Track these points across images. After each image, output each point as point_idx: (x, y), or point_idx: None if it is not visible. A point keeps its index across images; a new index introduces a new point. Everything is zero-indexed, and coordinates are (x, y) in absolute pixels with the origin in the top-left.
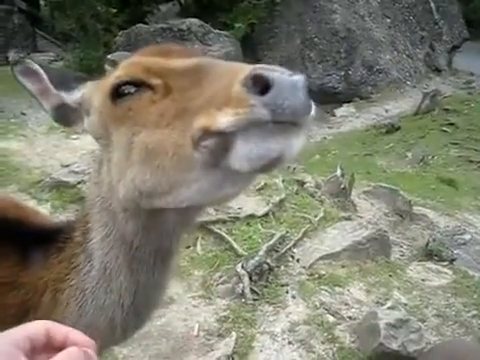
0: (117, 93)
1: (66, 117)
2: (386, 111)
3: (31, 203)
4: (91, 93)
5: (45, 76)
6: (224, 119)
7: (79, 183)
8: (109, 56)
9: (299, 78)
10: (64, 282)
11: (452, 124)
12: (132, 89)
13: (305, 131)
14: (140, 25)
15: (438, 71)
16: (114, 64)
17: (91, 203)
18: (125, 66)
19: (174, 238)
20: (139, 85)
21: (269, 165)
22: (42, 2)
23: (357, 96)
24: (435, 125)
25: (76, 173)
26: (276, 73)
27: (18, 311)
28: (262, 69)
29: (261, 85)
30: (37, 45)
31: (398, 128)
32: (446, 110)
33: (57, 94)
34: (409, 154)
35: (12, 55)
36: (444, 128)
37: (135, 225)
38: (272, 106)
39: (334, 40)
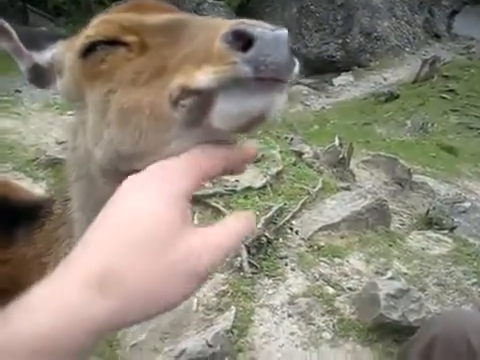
0: (88, 52)
1: (40, 78)
2: (385, 79)
3: (27, 181)
4: (62, 53)
5: (15, 35)
6: (204, 77)
7: None
8: None
9: (282, 32)
10: (48, 256)
11: (452, 91)
12: (105, 47)
13: (287, 88)
14: None
15: (437, 37)
16: None
17: (69, 171)
18: (97, 24)
19: None
20: (113, 43)
21: (251, 123)
22: None
23: (355, 64)
24: (434, 92)
25: None
26: (258, 28)
27: (6, 287)
28: (243, 24)
29: (243, 41)
30: (29, 20)
31: (397, 96)
32: (445, 77)
33: (28, 54)
34: (408, 122)
35: None
36: (443, 95)
37: (114, 188)
38: (254, 63)
39: (331, 8)
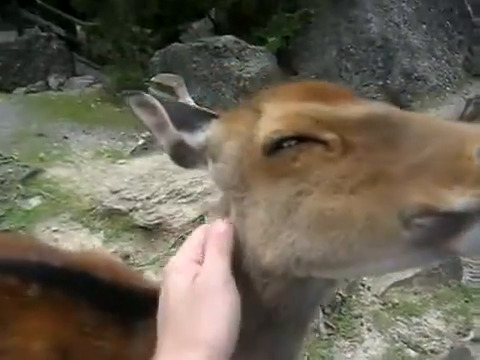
0: (274, 148)
1: (184, 157)
2: None
3: (84, 232)
4: (220, 137)
5: (165, 112)
6: (460, 199)
7: (131, 210)
8: (153, 79)
9: None
10: None
11: None
12: (293, 142)
13: None
14: (175, 44)
15: (478, 76)
16: (158, 86)
17: None
18: (283, 117)
19: (319, 302)
20: (305, 139)
21: None
22: (78, 27)
23: (397, 105)
24: None
25: (128, 200)
26: None
27: None
28: None
29: None
30: (75, 69)
31: None
32: None
33: (176, 133)
34: None
35: (52, 80)
36: None
37: (275, 291)
38: None
39: (370, 49)
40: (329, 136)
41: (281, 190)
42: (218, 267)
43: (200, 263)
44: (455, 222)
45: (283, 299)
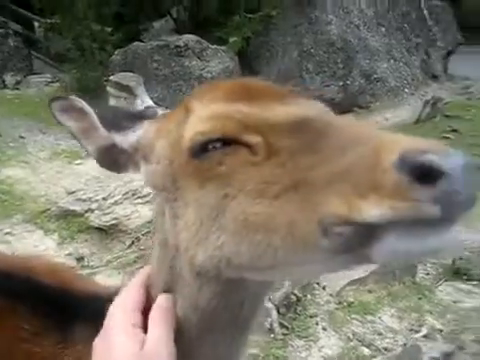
0: (200, 149)
1: (114, 161)
2: (386, 120)
3: (38, 234)
4: (152, 138)
5: (93, 114)
6: (374, 211)
7: (87, 211)
8: (112, 78)
9: (469, 159)
10: None
11: (455, 130)
12: (219, 144)
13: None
14: (136, 43)
15: (435, 77)
16: (117, 86)
17: (154, 268)
18: (210, 118)
19: (256, 302)
20: (230, 142)
21: (419, 258)
22: (36, 23)
23: (356, 106)
24: (437, 132)
25: (83, 201)
26: (444, 158)
27: None
28: (421, 152)
29: (422, 172)
30: (33, 67)
31: None
32: (447, 116)
33: (106, 135)
34: None
35: (8, 79)
36: (447, 135)
37: (211, 293)
38: (446, 203)
39: (331, 51)
40: (253, 139)
41: (208, 193)
42: (164, 338)
43: (141, 328)
44: (370, 232)
45: (220, 300)
